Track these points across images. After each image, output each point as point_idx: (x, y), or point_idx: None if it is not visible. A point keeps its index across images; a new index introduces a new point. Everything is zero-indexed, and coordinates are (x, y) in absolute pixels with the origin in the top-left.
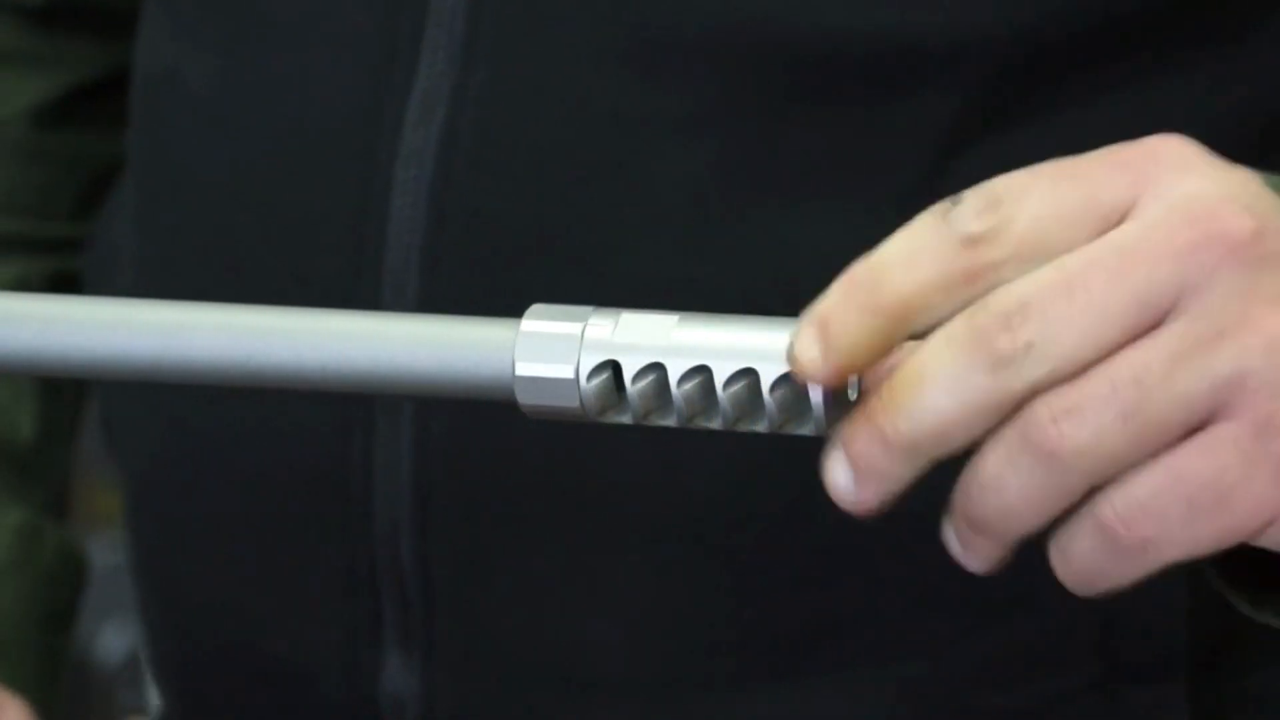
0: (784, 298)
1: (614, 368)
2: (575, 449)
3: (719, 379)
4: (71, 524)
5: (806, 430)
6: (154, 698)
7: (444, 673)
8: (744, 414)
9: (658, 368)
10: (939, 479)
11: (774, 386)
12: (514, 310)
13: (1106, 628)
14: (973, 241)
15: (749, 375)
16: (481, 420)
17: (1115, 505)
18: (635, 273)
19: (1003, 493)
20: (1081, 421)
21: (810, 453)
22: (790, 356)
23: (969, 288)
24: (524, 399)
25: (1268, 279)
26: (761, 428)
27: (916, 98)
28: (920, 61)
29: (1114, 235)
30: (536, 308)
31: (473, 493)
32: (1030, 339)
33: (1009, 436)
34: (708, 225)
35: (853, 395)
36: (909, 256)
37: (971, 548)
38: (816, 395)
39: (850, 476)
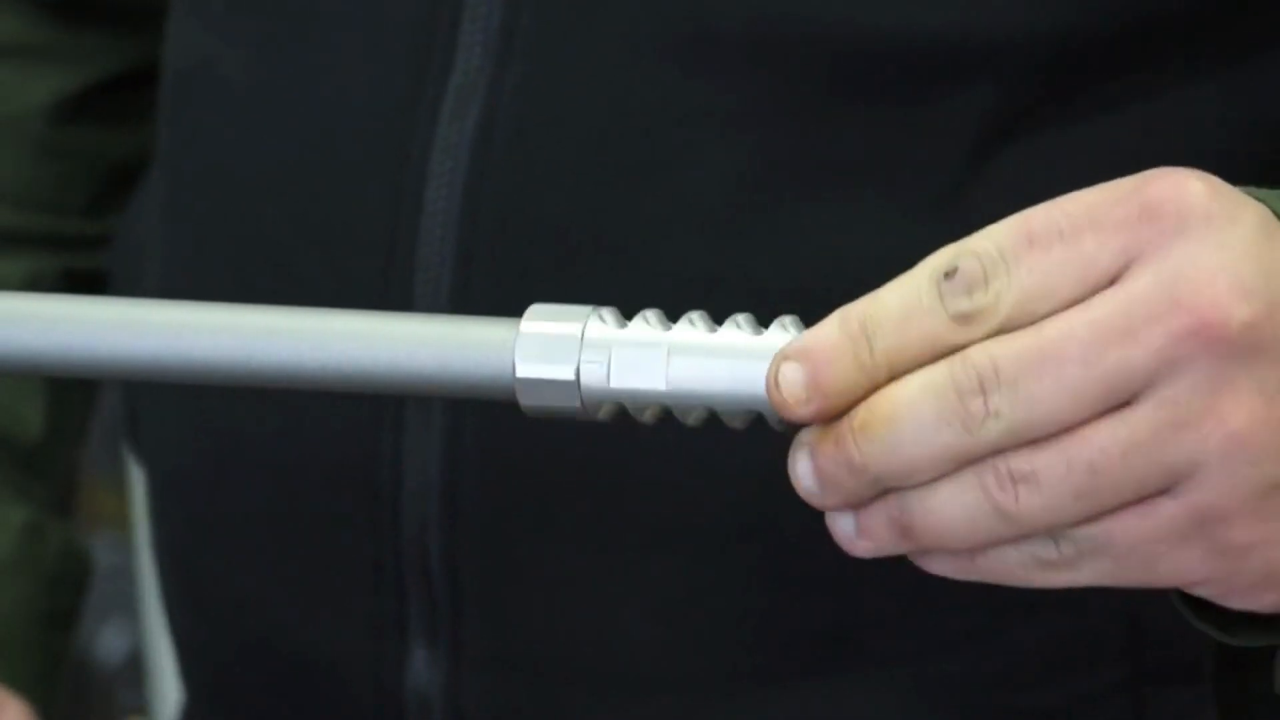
0: (819, 295)
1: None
2: (606, 446)
3: (721, 400)
4: (74, 524)
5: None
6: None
7: (470, 669)
8: (748, 418)
9: (660, 390)
10: None
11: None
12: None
13: (1133, 629)
14: (964, 318)
15: (750, 394)
16: (512, 417)
17: (1053, 548)
18: (670, 269)
19: (942, 519)
20: (1036, 490)
21: None
22: (774, 392)
23: (955, 352)
24: (525, 400)
25: (1245, 371)
26: (769, 426)
27: (953, 97)
28: (958, 61)
29: (1098, 308)
30: (536, 308)
31: (502, 489)
32: (999, 408)
33: (966, 480)
34: (744, 222)
35: None
36: (902, 319)
37: (872, 537)
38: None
39: (815, 481)
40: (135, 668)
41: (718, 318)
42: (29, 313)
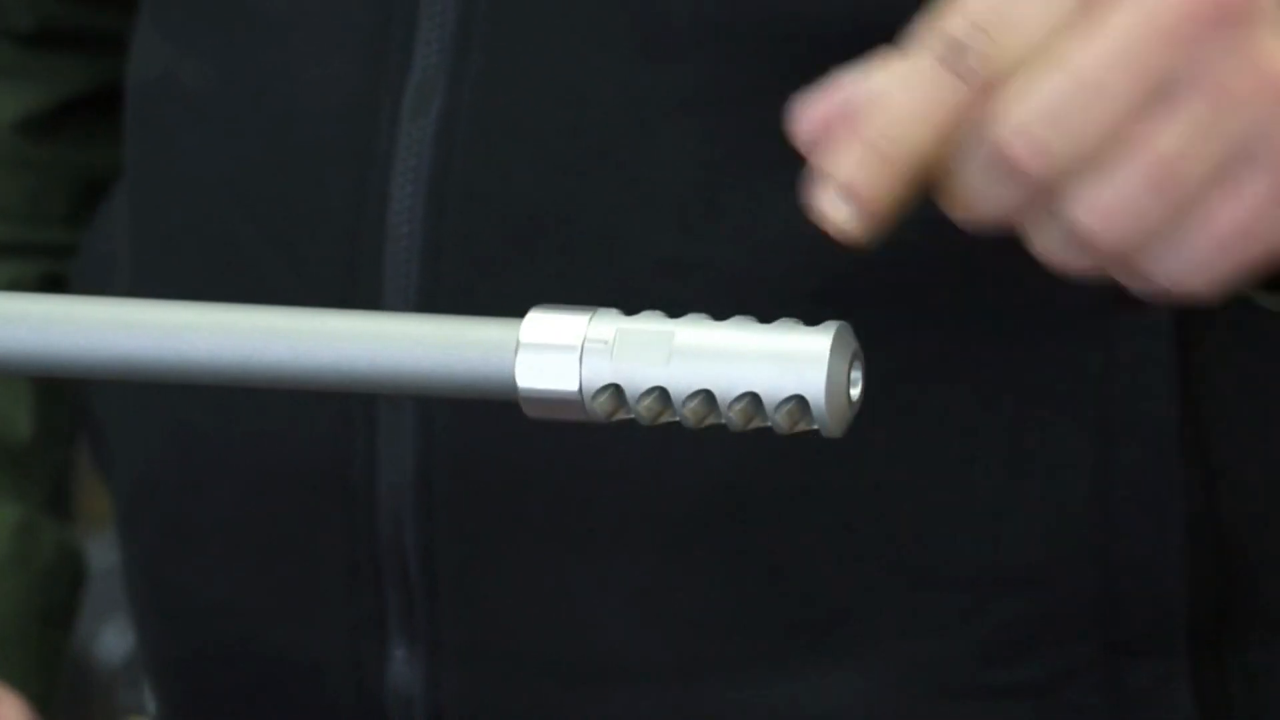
0: (784, 277)
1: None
2: (580, 440)
3: (723, 401)
4: (73, 524)
5: (812, 429)
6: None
7: (450, 666)
8: (749, 419)
9: (660, 390)
10: (937, 470)
11: (778, 406)
12: (517, 297)
13: (1109, 605)
14: (976, 81)
15: (751, 395)
16: (486, 412)
17: (1169, 270)
18: (638, 256)
19: (1037, 248)
20: (1122, 213)
21: (812, 440)
22: (826, 223)
23: (978, 116)
24: (529, 411)
25: (1265, 35)
26: (769, 426)
27: None
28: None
29: (1116, 25)
30: (534, 315)
31: (477, 484)
32: (1059, 160)
33: (1052, 230)
34: (710, 206)
35: (855, 393)
36: (920, 110)
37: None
38: (819, 401)
39: (844, 202)
40: (135, 668)
41: (684, 304)
42: (27, 313)
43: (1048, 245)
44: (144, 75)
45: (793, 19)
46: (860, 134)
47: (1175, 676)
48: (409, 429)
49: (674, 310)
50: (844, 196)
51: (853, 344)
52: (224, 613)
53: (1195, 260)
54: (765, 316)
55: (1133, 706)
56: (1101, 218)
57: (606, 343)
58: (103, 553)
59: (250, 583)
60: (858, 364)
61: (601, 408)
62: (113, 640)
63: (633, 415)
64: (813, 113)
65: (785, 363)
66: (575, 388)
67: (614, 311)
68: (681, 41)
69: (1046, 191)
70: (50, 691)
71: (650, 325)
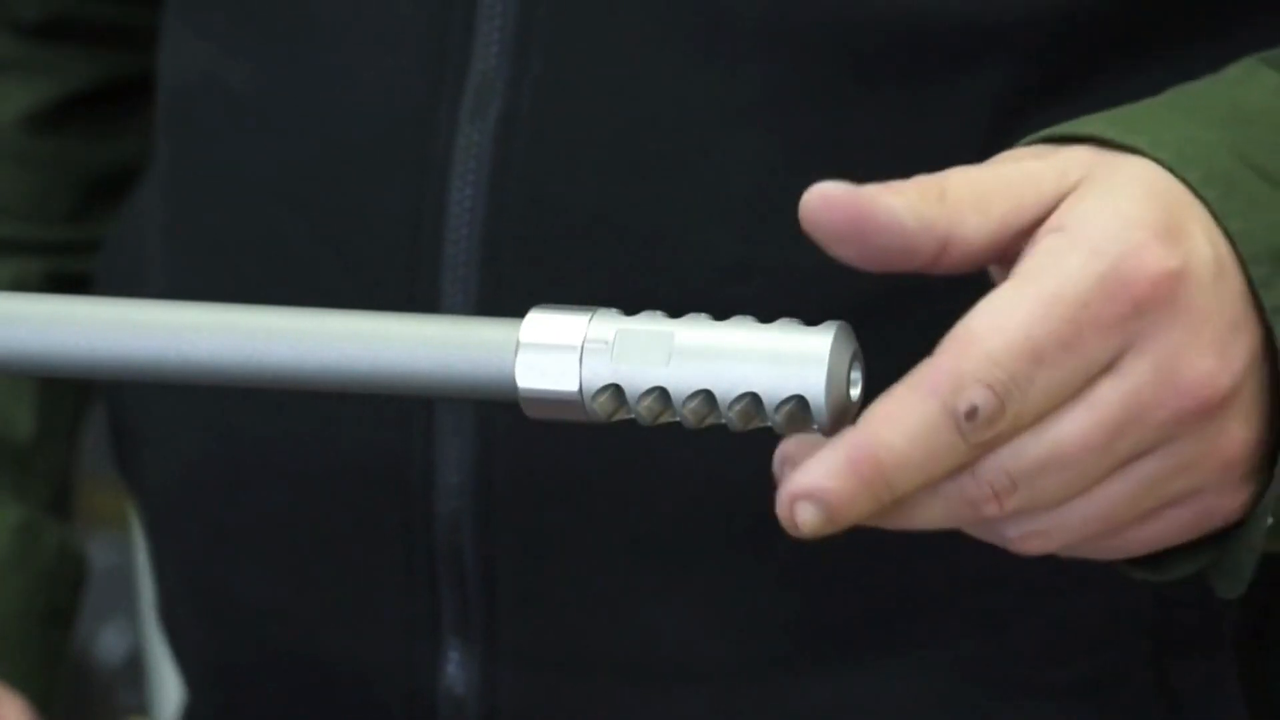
0: (845, 279)
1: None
2: (641, 441)
3: (723, 401)
4: (71, 525)
5: (812, 428)
6: (154, 698)
7: (505, 667)
8: (749, 419)
9: (660, 390)
10: None
11: (778, 406)
12: (576, 301)
13: (1159, 605)
14: (985, 446)
15: (751, 395)
16: None
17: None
18: (698, 260)
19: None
20: (1050, 541)
21: None
22: (790, 526)
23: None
24: (529, 411)
25: (1234, 414)
26: (769, 426)
27: (969, 76)
28: (973, 40)
29: (1104, 405)
30: (534, 315)
31: (537, 485)
32: (1014, 509)
33: (976, 525)
34: (768, 209)
35: (854, 393)
36: (924, 462)
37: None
38: (819, 402)
39: (816, 509)
40: (135, 668)
41: (744, 306)
42: (29, 313)
43: (938, 520)
44: (183, 77)
45: (852, 22)
46: (860, 472)
47: (1225, 676)
48: (469, 430)
49: (733, 315)
50: (818, 505)
51: (853, 344)
52: (272, 616)
53: (1110, 551)
54: (824, 320)
55: (1184, 706)
56: (1027, 538)
57: (606, 343)
58: (103, 553)
59: (300, 585)
60: (858, 364)
61: (601, 408)
62: (113, 640)
63: (633, 415)
64: (830, 212)
65: (785, 363)
66: (575, 388)
67: (614, 311)
68: (745, 45)
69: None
70: (52, 691)
71: (650, 325)
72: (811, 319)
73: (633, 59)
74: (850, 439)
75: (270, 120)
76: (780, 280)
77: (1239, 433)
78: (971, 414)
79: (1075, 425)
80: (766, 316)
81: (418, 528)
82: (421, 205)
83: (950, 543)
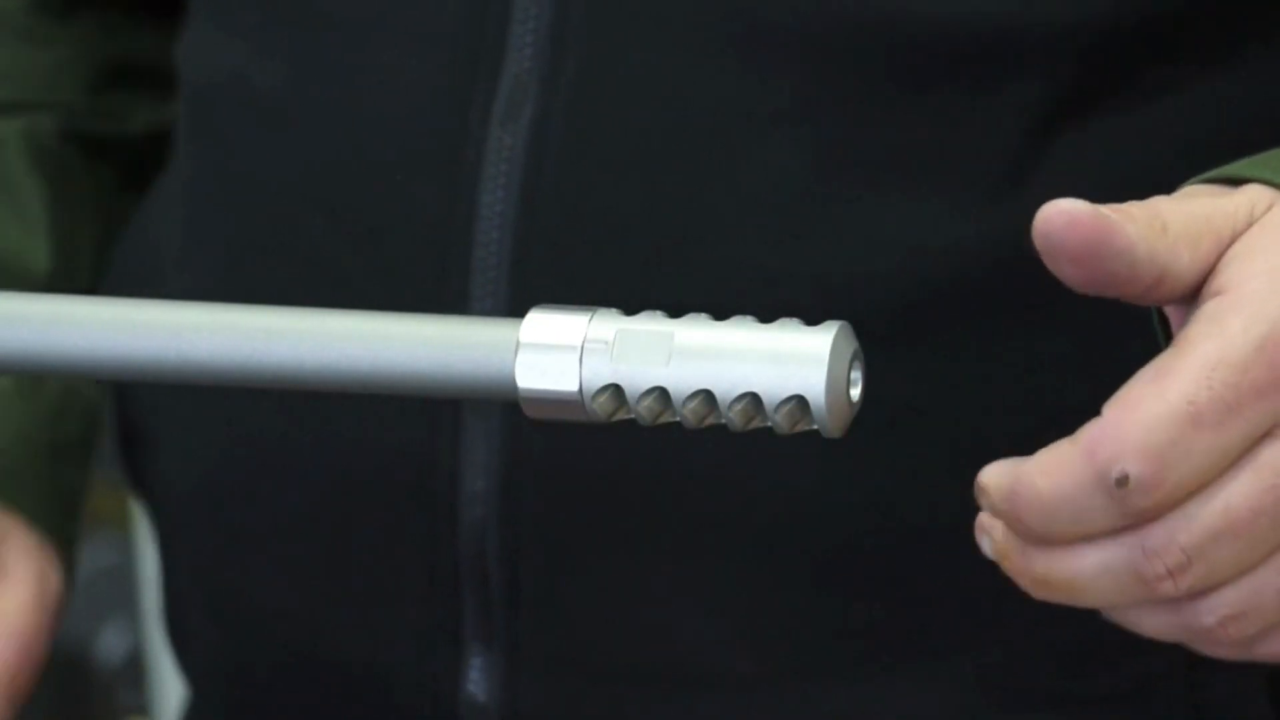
0: (881, 287)
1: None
2: (667, 447)
3: (723, 401)
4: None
5: (812, 429)
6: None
7: (527, 674)
8: (749, 419)
9: (660, 390)
10: None
11: (778, 406)
12: (608, 306)
13: None
14: (1140, 514)
15: (751, 395)
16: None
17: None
18: (728, 264)
19: (1138, 628)
20: (1249, 622)
21: (893, 450)
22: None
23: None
24: (529, 411)
25: None
26: (769, 426)
27: (1009, 84)
28: (1013, 48)
29: (1270, 472)
30: (535, 315)
31: (563, 491)
32: (1193, 586)
33: (1169, 619)
34: (804, 216)
35: (855, 393)
36: (1073, 522)
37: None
38: (819, 402)
39: (991, 550)
40: (135, 668)
41: (774, 314)
42: (29, 313)
43: (1154, 628)
44: (209, 75)
45: (892, 30)
46: (1020, 526)
47: (1254, 687)
48: (496, 437)
49: (769, 320)
50: (995, 550)
51: (853, 344)
52: (291, 620)
53: None
54: (860, 327)
55: (1213, 717)
56: (1224, 623)
57: (606, 343)
58: (103, 553)
59: (321, 590)
60: (858, 364)
61: (601, 408)
62: (113, 640)
63: (633, 415)
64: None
65: (785, 363)
66: (575, 388)
67: (614, 311)
68: (781, 51)
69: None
70: (72, 532)
71: (650, 325)
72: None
73: (668, 64)
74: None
75: (300, 121)
76: (811, 289)
77: None
78: (1123, 481)
79: (1243, 489)
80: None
81: (442, 534)
82: (452, 208)
83: (974, 550)
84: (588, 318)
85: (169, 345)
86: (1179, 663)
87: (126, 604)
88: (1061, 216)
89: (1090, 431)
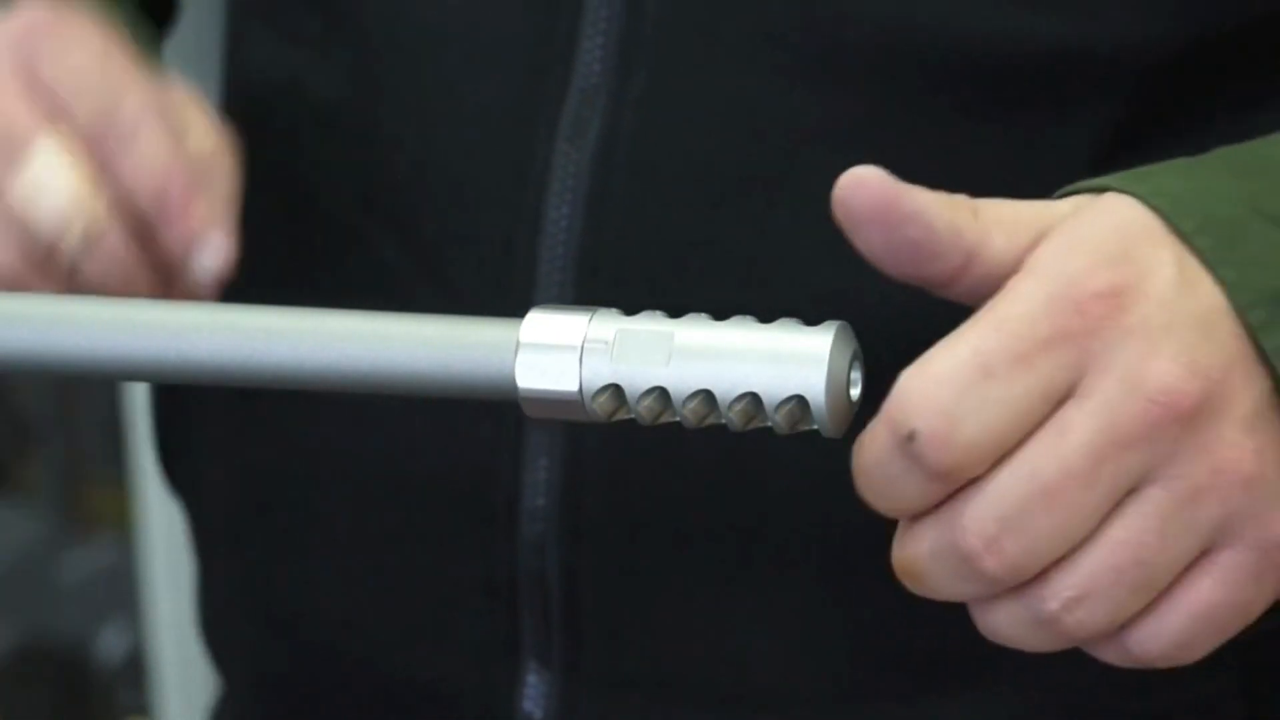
0: (945, 310)
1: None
2: (736, 466)
3: (723, 401)
4: (72, 525)
5: (812, 429)
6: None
7: (585, 691)
8: (750, 419)
9: (660, 390)
10: None
11: (778, 406)
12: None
13: (1250, 635)
14: (942, 476)
15: (751, 395)
16: (638, 431)
17: (1144, 646)
18: (793, 283)
19: (1013, 638)
20: (1095, 605)
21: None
22: None
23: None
24: (529, 411)
25: (1226, 419)
26: (769, 426)
27: (1078, 108)
28: (1083, 72)
29: (1079, 431)
30: (534, 315)
31: (627, 508)
32: (1015, 559)
33: (1019, 612)
34: None
35: (854, 393)
36: (885, 487)
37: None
38: (819, 401)
39: None
40: (135, 668)
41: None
42: (29, 313)
43: (1012, 629)
44: (262, 78)
45: (962, 52)
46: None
47: None
48: (558, 453)
49: None
50: None
51: (853, 344)
52: (345, 630)
53: (1169, 637)
54: (921, 350)
55: None
56: (1068, 606)
57: (606, 343)
58: (103, 553)
59: (376, 601)
60: (858, 364)
61: (601, 408)
62: (113, 640)
63: (633, 415)
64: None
65: (785, 363)
66: (575, 388)
67: (614, 311)
68: (853, 70)
69: (1011, 584)
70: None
71: (650, 325)
72: (906, 354)
73: (737, 81)
74: None
75: (360, 131)
76: (874, 311)
77: (1239, 440)
78: (912, 437)
79: (1049, 452)
80: (863, 348)
81: (500, 550)
82: (517, 223)
83: None
84: (587, 318)
85: (169, 345)
86: (1240, 681)
87: (126, 604)
88: (850, 178)
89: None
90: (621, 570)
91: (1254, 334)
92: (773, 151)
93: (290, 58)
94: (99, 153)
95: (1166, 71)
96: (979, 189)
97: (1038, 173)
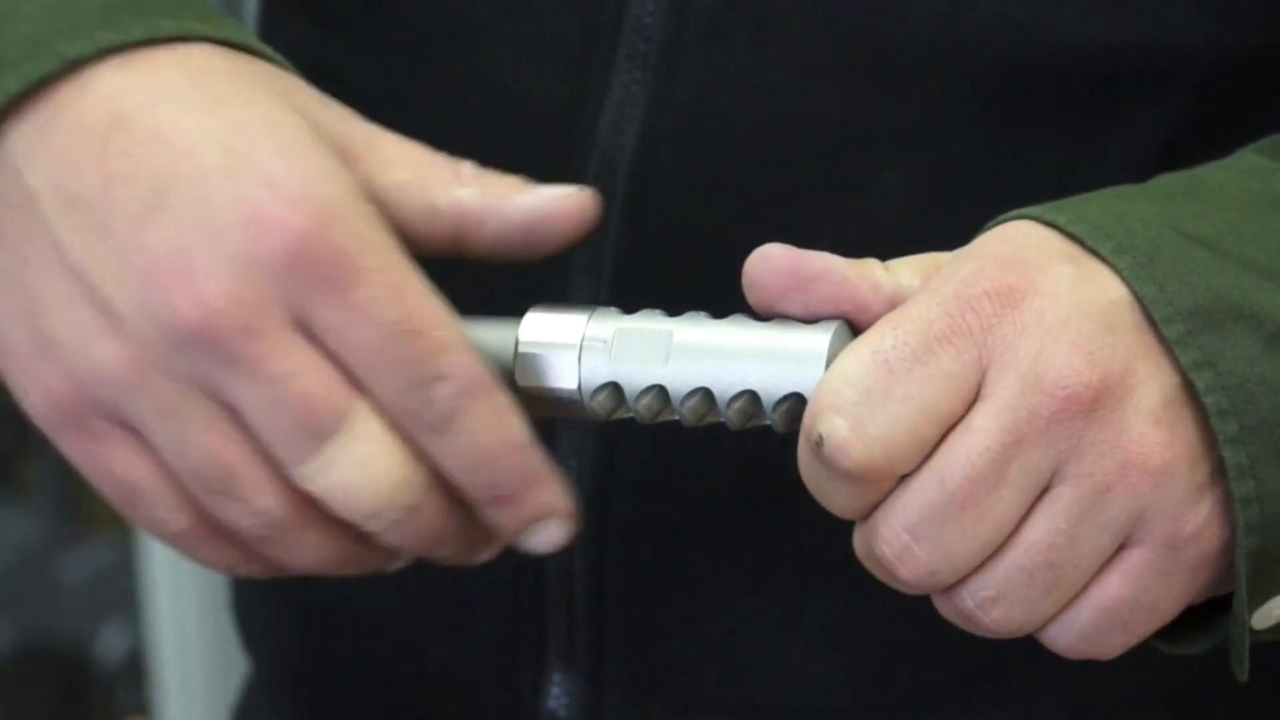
0: None
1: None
2: (765, 466)
3: (721, 399)
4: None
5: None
6: (154, 698)
7: (611, 696)
8: (748, 418)
9: (659, 388)
10: None
11: (776, 405)
12: None
13: None
14: (856, 477)
15: (749, 393)
16: (670, 437)
17: (1055, 641)
18: None
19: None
20: (1010, 605)
21: None
22: None
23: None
24: (529, 410)
25: (1130, 409)
26: (768, 425)
27: (1135, 113)
28: (1140, 76)
29: (982, 433)
30: (534, 314)
31: (657, 513)
32: (932, 565)
33: (944, 606)
34: (914, 245)
35: None
36: (827, 501)
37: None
38: None
39: None
40: (135, 668)
41: None
42: None
43: (948, 614)
44: (298, 66)
45: (1017, 55)
46: None
47: None
48: (588, 457)
49: None
50: None
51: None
52: (374, 625)
53: (1077, 632)
54: None
55: None
56: (984, 606)
57: (605, 341)
58: (103, 553)
59: (404, 599)
60: None
61: (600, 406)
62: (113, 640)
63: (632, 414)
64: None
65: (783, 361)
66: (574, 386)
67: (613, 310)
68: (902, 74)
69: (930, 590)
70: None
71: (649, 324)
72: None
73: (783, 82)
74: None
75: (392, 122)
76: None
77: (1147, 433)
78: (820, 441)
79: (954, 457)
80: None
81: (528, 554)
82: None
83: None
84: (586, 316)
85: None
86: (1272, 703)
87: (126, 604)
88: (756, 257)
89: None
90: (650, 573)
91: (1171, 348)
92: (819, 154)
93: (320, 41)
94: (411, 426)
95: (1230, 73)
96: (1033, 193)
97: (1096, 176)
